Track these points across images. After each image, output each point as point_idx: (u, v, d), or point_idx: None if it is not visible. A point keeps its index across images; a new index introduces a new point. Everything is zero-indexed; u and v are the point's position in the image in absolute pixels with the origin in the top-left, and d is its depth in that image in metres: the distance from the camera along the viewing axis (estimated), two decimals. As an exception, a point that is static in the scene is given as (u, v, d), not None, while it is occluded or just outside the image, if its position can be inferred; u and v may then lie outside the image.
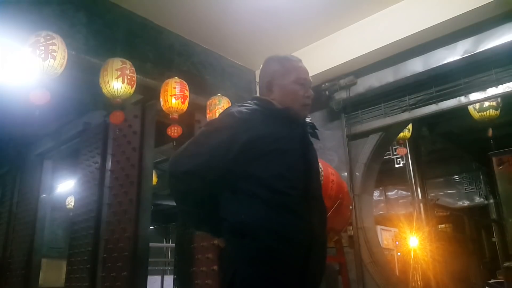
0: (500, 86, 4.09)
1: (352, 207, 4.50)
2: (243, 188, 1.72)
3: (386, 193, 10.66)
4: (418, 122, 6.59)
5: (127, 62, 3.77)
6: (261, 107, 1.85)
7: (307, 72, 1.99)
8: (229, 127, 1.75)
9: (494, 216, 9.11)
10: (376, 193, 10.41)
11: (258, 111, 1.83)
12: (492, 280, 9.09)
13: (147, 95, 4.51)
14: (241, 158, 1.71)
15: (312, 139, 1.97)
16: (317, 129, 2.02)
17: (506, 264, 7.06)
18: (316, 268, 1.74)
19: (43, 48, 3.19)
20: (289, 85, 1.91)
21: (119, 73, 3.67)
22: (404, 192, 10.12)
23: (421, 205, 7.36)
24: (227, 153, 1.70)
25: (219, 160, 1.71)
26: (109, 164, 4.85)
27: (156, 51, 4.43)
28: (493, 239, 9.34)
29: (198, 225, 2.01)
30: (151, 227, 5.08)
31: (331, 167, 4.27)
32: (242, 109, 1.82)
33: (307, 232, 1.70)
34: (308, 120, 1.98)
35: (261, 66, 2.06)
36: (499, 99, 5.06)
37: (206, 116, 4.48)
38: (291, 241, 1.65)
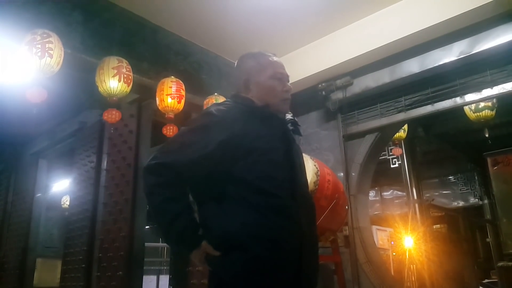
0: (495, 87, 4.10)
1: (348, 207, 4.51)
2: (229, 193, 1.66)
3: (382, 193, 10.68)
4: (413, 123, 6.61)
5: (124, 60, 3.76)
6: (240, 105, 1.82)
7: (283, 66, 1.94)
8: (206, 126, 1.71)
9: (488, 216, 9.14)
10: (371, 193, 10.43)
11: (237, 108, 1.79)
12: (486, 280, 9.14)
13: (143, 94, 4.49)
14: (222, 159, 1.65)
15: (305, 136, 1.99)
16: (299, 125, 1.98)
17: (500, 264, 7.10)
18: (309, 269, 1.70)
19: (39, 46, 3.17)
20: (266, 81, 1.86)
21: (115, 71, 3.66)
22: (399, 193, 10.15)
23: (416, 205, 7.39)
24: (204, 151, 1.64)
25: (196, 158, 1.65)
26: (104, 164, 4.84)
27: (153, 50, 4.42)
28: (487, 239, 9.37)
29: (167, 229, 1.66)
30: (146, 227, 5.07)
31: (327, 167, 4.28)
32: (221, 107, 1.79)
33: (297, 233, 1.66)
34: (289, 116, 1.93)
35: (235, 64, 2.00)
36: (494, 100, 5.09)
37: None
38: (283, 247, 1.61)
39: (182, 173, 1.65)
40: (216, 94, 4.51)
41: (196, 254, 1.66)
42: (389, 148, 7.21)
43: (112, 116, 3.82)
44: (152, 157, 1.69)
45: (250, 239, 1.58)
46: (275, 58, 1.93)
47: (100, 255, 4.48)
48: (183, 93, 4.14)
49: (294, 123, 1.93)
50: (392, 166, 7.55)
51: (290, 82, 1.95)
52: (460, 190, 9.67)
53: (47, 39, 3.23)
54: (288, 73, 1.94)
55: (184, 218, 1.62)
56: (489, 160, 6.74)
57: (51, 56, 3.22)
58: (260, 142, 1.70)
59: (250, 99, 1.84)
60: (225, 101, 1.92)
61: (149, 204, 1.71)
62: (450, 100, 4.37)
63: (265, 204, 1.63)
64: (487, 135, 5.38)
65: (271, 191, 1.65)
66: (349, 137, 5.01)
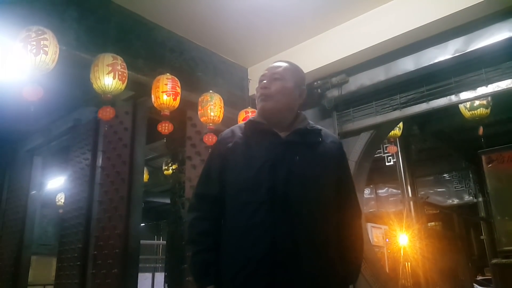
0: (490, 85, 4.10)
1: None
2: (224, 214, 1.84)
3: (377, 191, 10.73)
4: (409, 121, 6.63)
5: (118, 57, 3.73)
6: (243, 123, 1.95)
7: (270, 68, 1.97)
8: (211, 153, 1.98)
9: (483, 214, 9.20)
10: (366, 191, 10.47)
11: (238, 127, 1.94)
12: (480, 277, 9.21)
13: (138, 92, 4.48)
14: (223, 181, 1.84)
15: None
16: (318, 132, 1.90)
17: (494, 261, 7.13)
18: (290, 280, 1.62)
19: (34, 43, 3.14)
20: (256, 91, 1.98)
21: (110, 68, 3.64)
22: (394, 190, 10.21)
23: (411, 203, 7.43)
24: (210, 178, 1.88)
25: (210, 187, 1.87)
26: (99, 161, 4.82)
27: (148, 47, 4.40)
28: (482, 237, 9.43)
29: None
30: (142, 224, 5.06)
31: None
32: (228, 129, 1.96)
33: (262, 250, 1.64)
34: (301, 127, 1.87)
35: None
36: (489, 98, 5.11)
37: (197, 113, 4.47)
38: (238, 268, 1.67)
39: (210, 204, 1.86)
40: (211, 91, 4.50)
41: None
42: (384, 146, 7.22)
43: (106, 113, 3.80)
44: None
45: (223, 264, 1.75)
46: (268, 68, 1.99)
47: (95, 252, 4.47)
48: (179, 90, 4.13)
49: (302, 133, 1.85)
50: (387, 164, 7.57)
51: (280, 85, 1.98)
52: (455, 188, 9.73)
53: (42, 36, 3.20)
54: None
55: (201, 256, 1.78)
56: (483, 158, 6.76)
57: (46, 53, 3.18)
58: (246, 155, 1.80)
59: (256, 115, 1.95)
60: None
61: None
62: (445, 98, 4.37)
63: (228, 226, 1.79)
64: (480, 134, 5.39)
65: (232, 211, 1.78)
66: (344, 135, 5.01)
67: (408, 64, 4.46)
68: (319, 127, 1.94)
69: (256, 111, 1.97)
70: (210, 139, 4.35)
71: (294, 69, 1.99)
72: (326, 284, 1.70)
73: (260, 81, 1.93)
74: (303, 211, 1.69)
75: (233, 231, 1.75)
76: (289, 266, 1.61)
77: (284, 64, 1.98)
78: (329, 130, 4.98)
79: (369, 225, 7.85)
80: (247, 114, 4.70)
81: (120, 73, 3.69)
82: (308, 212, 1.70)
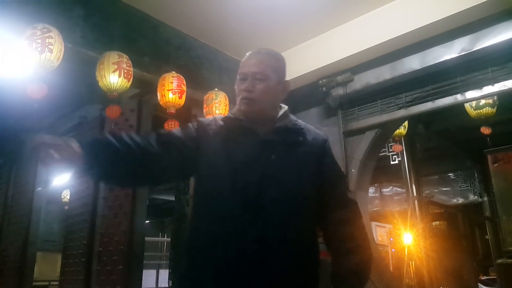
0: (496, 84, 4.08)
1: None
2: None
3: (381, 190, 10.71)
4: (414, 120, 6.60)
5: (124, 55, 3.75)
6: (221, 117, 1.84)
7: (251, 65, 1.77)
8: (187, 126, 1.79)
9: (488, 213, 9.17)
10: (371, 190, 10.45)
11: (220, 119, 1.81)
12: (485, 277, 9.17)
13: (144, 89, 4.49)
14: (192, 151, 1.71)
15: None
16: (299, 131, 1.78)
17: (499, 261, 7.11)
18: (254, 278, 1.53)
19: (39, 41, 3.16)
20: (235, 83, 1.80)
21: (115, 66, 3.65)
22: (399, 189, 10.18)
23: (416, 202, 7.41)
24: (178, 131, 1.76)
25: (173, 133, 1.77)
26: (105, 158, 4.82)
27: (154, 45, 4.41)
28: (487, 237, 9.41)
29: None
30: (146, 221, 5.08)
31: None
32: (210, 118, 1.86)
33: (233, 244, 1.55)
34: (281, 125, 1.75)
35: None
36: (495, 97, 5.07)
37: (203, 111, 4.48)
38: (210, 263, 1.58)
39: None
40: (216, 89, 4.51)
41: None
42: (389, 144, 7.20)
43: (113, 111, 3.83)
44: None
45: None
46: (246, 59, 1.81)
47: (100, 249, 4.49)
48: (184, 88, 4.14)
49: (282, 131, 1.74)
50: (392, 162, 7.55)
51: (290, 78, 1.86)
52: (460, 187, 9.70)
53: (47, 34, 3.21)
54: (258, 70, 1.77)
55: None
56: (489, 157, 6.73)
57: (51, 51, 3.20)
58: (216, 154, 1.68)
59: (229, 113, 1.83)
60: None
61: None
62: (450, 97, 4.35)
63: (197, 225, 1.70)
64: (486, 133, 5.36)
65: (202, 210, 1.69)
66: (349, 134, 5.01)
67: (413, 63, 4.44)
68: (302, 124, 1.82)
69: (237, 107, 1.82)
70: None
71: (275, 63, 1.80)
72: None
73: (241, 78, 1.76)
74: (275, 214, 1.57)
75: (201, 233, 1.64)
76: (258, 273, 1.52)
77: (265, 59, 1.79)
78: (334, 129, 5.06)
79: (373, 224, 7.84)
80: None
81: (125, 71, 3.70)
82: (281, 216, 1.58)
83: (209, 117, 1.87)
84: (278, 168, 1.64)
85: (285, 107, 1.83)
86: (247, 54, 1.83)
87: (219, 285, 1.54)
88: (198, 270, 1.59)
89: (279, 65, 1.83)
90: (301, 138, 1.75)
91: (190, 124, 1.78)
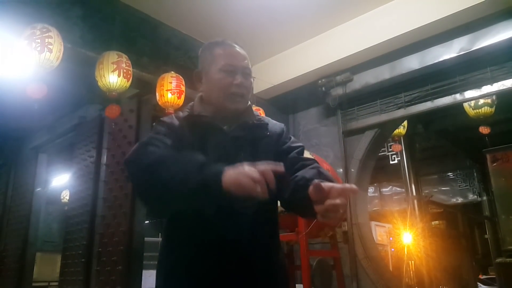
0: (495, 84, 4.11)
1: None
2: None
3: (381, 190, 10.70)
4: (413, 119, 6.61)
5: (123, 55, 3.74)
6: (178, 115, 1.69)
7: (240, 58, 1.67)
8: (156, 130, 1.62)
9: (487, 213, 9.17)
10: (370, 189, 10.45)
11: (177, 118, 1.67)
12: (484, 276, 9.19)
13: (143, 90, 4.48)
14: None
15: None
16: (265, 126, 1.69)
17: (498, 260, 7.13)
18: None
19: (39, 41, 3.16)
20: (215, 74, 1.62)
21: (115, 66, 3.65)
22: (398, 189, 10.17)
23: (415, 201, 7.41)
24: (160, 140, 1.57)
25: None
26: (104, 158, 4.82)
27: (153, 45, 4.41)
28: (486, 236, 9.41)
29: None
30: (146, 222, 5.07)
31: (326, 163, 4.29)
32: (168, 117, 1.70)
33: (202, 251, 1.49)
34: (247, 120, 1.67)
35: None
36: (494, 97, 5.08)
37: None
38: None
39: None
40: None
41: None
42: (389, 144, 7.21)
43: (113, 111, 3.82)
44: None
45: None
46: (232, 49, 1.68)
47: (99, 249, 4.48)
48: (183, 88, 4.13)
49: (249, 127, 1.65)
50: (391, 162, 7.55)
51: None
52: (459, 187, 9.70)
53: (47, 34, 3.21)
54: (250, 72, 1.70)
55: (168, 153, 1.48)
56: (488, 156, 6.74)
57: (50, 51, 3.20)
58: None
59: (192, 106, 1.71)
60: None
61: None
62: (449, 97, 4.37)
63: (172, 233, 1.65)
64: (485, 132, 5.37)
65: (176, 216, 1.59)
66: (348, 133, 5.02)
67: (413, 63, 4.46)
68: (266, 119, 1.75)
69: (200, 100, 1.70)
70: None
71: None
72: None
73: (229, 70, 1.62)
74: (249, 213, 1.46)
75: (177, 240, 1.58)
76: (237, 272, 1.48)
77: (246, 54, 1.70)
78: (333, 128, 5.06)
79: (373, 223, 7.83)
80: (252, 112, 4.70)
81: (125, 71, 3.70)
82: (254, 213, 1.46)
83: (169, 117, 1.70)
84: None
85: (249, 103, 1.73)
86: (227, 43, 1.70)
87: (196, 282, 1.49)
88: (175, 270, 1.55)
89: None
90: (266, 132, 1.68)
91: (160, 134, 1.59)
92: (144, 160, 1.41)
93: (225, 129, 1.61)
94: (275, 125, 1.76)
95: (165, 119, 1.68)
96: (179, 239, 1.57)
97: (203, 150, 1.51)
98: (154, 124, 1.70)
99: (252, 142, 1.62)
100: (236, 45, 1.71)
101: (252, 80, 1.69)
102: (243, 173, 1.23)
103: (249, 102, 1.73)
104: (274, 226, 1.67)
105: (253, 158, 1.48)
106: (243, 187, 1.21)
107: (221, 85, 1.60)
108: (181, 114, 1.70)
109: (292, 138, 1.77)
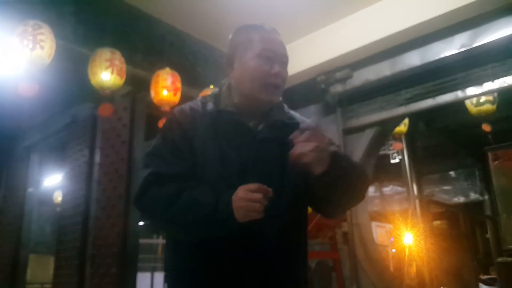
0: (496, 81, 4.06)
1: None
2: None
3: (382, 189, 10.64)
4: (414, 117, 6.56)
5: (117, 52, 3.68)
6: (201, 105, 1.58)
7: (280, 45, 1.54)
8: (170, 129, 1.54)
9: (488, 212, 9.12)
10: (371, 189, 10.39)
11: (199, 108, 1.56)
12: (485, 276, 9.15)
13: (137, 87, 4.40)
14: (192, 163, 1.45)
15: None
16: (296, 126, 1.44)
17: (499, 260, 7.12)
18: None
19: (31, 37, 3.11)
20: (250, 59, 1.48)
21: (108, 63, 3.59)
22: (399, 188, 10.09)
23: (417, 201, 7.37)
24: (176, 156, 1.46)
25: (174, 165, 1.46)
26: (97, 158, 4.74)
27: (147, 41, 4.34)
28: (487, 235, 9.39)
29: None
30: (141, 223, 5.00)
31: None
32: (186, 108, 1.59)
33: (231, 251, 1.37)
34: (277, 119, 1.53)
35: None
36: (495, 94, 5.03)
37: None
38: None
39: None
40: (212, 86, 4.42)
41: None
42: (389, 142, 7.14)
43: (106, 110, 3.78)
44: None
45: None
46: (272, 35, 1.55)
47: (93, 251, 4.42)
48: (179, 85, 4.07)
49: (278, 127, 1.51)
50: (392, 161, 7.47)
51: (288, 75, 1.65)
52: (461, 186, 9.63)
53: (39, 31, 3.17)
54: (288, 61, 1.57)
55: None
56: (490, 155, 6.73)
57: (42, 47, 3.16)
58: (201, 153, 1.45)
59: (212, 98, 1.58)
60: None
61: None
62: (451, 94, 4.32)
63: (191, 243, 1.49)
64: (487, 130, 5.32)
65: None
66: (348, 131, 4.96)
67: (413, 59, 4.41)
68: (297, 117, 1.60)
69: (228, 89, 1.57)
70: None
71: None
72: None
73: (268, 57, 1.48)
74: (275, 225, 1.38)
75: (197, 248, 1.42)
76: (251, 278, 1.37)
77: (282, 42, 1.58)
78: (333, 126, 5.00)
79: (373, 223, 7.81)
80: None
81: (118, 68, 3.65)
82: (279, 223, 1.39)
83: (186, 108, 1.58)
84: (276, 170, 1.44)
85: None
86: (266, 27, 1.56)
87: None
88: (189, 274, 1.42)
89: None
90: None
91: (167, 148, 1.48)
92: (153, 206, 1.39)
93: (252, 128, 1.49)
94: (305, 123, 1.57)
95: (180, 111, 1.56)
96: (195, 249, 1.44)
97: (225, 151, 1.43)
98: (166, 119, 1.61)
99: (282, 144, 1.44)
100: (275, 31, 1.58)
101: (287, 71, 1.55)
102: (242, 198, 1.26)
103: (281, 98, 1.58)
104: (300, 236, 1.51)
105: (281, 163, 1.44)
106: (247, 212, 1.26)
107: (256, 73, 1.46)
108: (200, 103, 1.58)
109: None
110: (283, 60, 1.52)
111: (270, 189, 1.27)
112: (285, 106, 1.61)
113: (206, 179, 1.42)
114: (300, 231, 1.51)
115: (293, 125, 1.47)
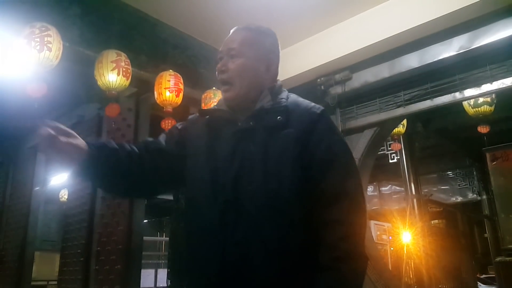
0: (494, 82, 4.07)
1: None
2: None
3: (380, 189, 10.69)
4: (413, 118, 6.61)
5: (122, 54, 3.74)
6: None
7: (228, 40, 1.57)
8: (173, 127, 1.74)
9: (486, 211, 9.16)
10: (370, 188, 10.45)
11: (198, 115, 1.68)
12: (484, 275, 9.20)
13: (141, 88, 4.47)
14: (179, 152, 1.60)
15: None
16: (280, 110, 1.46)
17: (497, 259, 7.15)
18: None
19: (38, 39, 3.16)
20: None
21: (114, 65, 3.64)
22: (397, 188, 10.16)
23: (415, 200, 7.40)
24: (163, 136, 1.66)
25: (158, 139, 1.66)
26: (103, 157, 4.80)
27: (151, 43, 4.40)
28: (485, 235, 9.41)
29: None
30: (145, 221, 5.06)
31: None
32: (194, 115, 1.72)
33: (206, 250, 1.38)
34: (257, 108, 1.48)
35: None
36: (493, 95, 5.08)
37: (200, 110, 4.46)
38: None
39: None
40: (214, 88, 4.49)
41: None
42: (388, 143, 7.20)
43: (113, 110, 3.82)
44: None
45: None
46: (227, 36, 1.61)
47: (98, 248, 4.46)
48: (182, 86, 4.13)
49: (258, 115, 1.46)
50: (390, 161, 7.55)
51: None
52: (459, 186, 9.68)
53: (46, 33, 3.21)
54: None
55: None
56: (488, 155, 6.76)
57: (49, 49, 3.20)
58: (192, 147, 1.57)
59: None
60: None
61: None
62: (449, 95, 4.34)
63: (186, 230, 1.61)
64: (484, 131, 5.37)
65: (189, 214, 1.55)
66: (347, 132, 4.99)
67: (412, 61, 4.44)
68: (284, 100, 1.50)
69: None
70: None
71: (255, 37, 1.57)
72: None
73: (219, 58, 1.57)
74: (255, 214, 1.33)
75: (189, 239, 1.51)
76: (238, 279, 1.31)
77: (242, 32, 1.57)
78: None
79: (372, 222, 7.85)
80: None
81: (124, 69, 3.69)
82: (261, 215, 1.32)
83: (193, 116, 1.69)
84: (256, 160, 1.38)
85: (265, 89, 1.54)
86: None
87: None
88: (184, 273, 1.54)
89: (261, 38, 1.60)
90: (280, 118, 1.42)
91: (176, 126, 1.68)
92: None
93: (238, 121, 1.49)
94: (303, 109, 1.49)
95: (191, 116, 1.72)
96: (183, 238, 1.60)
97: (213, 146, 1.47)
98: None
99: (266, 132, 1.41)
100: (238, 27, 1.63)
101: (243, 60, 1.52)
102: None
103: (265, 88, 1.54)
104: (293, 231, 1.36)
105: (264, 151, 1.38)
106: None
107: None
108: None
109: (326, 137, 1.46)
110: (229, 53, 1.53)
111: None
112: (277, 91, 1.55)
113: (195, 170, 1.51)
114: (291, 216, 1.35)
115: (275, 109, 1.45)
